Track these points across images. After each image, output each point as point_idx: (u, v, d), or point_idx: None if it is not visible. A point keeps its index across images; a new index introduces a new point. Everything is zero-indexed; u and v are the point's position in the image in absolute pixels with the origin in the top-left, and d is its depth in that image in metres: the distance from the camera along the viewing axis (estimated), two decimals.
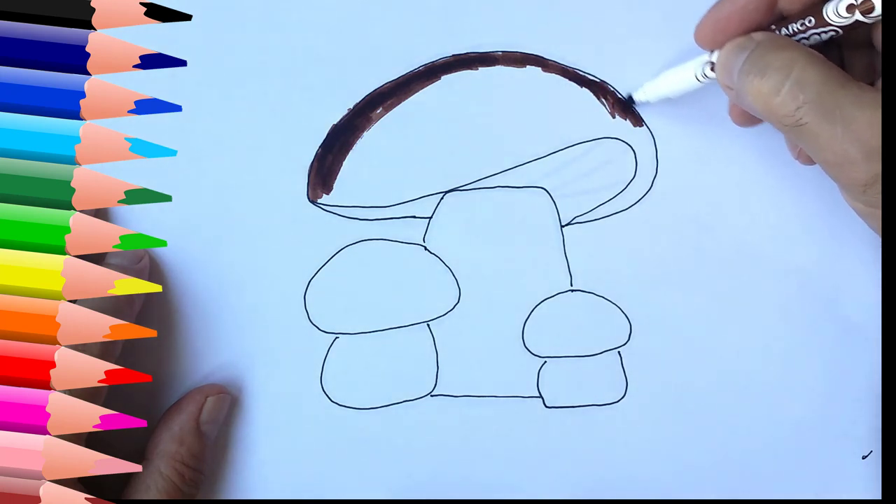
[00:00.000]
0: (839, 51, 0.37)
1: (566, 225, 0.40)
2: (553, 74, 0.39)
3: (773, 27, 0.35)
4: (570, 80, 0.39)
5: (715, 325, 0.40)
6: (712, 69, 0.36)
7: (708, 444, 0.40)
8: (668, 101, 0.38)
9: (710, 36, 0.36)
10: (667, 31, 0.39)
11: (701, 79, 0.36)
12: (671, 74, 0.38)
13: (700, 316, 0.40)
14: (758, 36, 0.35)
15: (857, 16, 0.33)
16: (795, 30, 0.35)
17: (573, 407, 0.40)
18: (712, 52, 0.36)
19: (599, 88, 0.39)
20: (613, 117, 0.39)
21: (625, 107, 0.39)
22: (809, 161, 0.37)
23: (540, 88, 0.39)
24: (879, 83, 0.34)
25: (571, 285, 0.40)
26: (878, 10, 0.32)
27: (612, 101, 0.39)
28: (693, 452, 0.40)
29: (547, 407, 0.40)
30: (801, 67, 0.33)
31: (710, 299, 0.40)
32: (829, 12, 0.33)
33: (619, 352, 0.40)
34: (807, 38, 0.34)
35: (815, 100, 0.32)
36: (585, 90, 0.39)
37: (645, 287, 0.40)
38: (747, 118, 0.38)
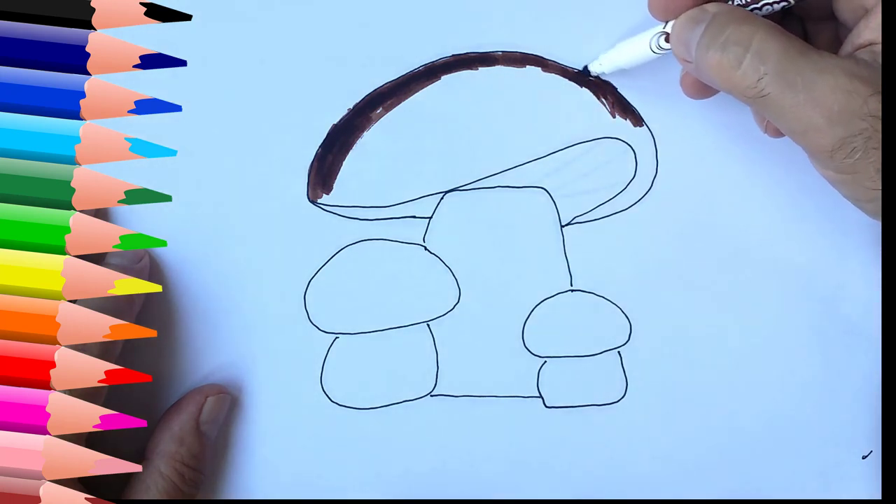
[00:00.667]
0: (801, 24, 0.37)
1: (566, 225, 0.40)
2: (553, 74, 0.39)
3: None
4: (570, 80, 0.39)
5: (715, 324, 0.40)
6: (667, 40, 0.36)
7: (708, 444, 0.40)
8: (623, 73, 0.38)
9: (664, 6, 0.36)
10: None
11: (656, 50, 0.36)
12: (625, 46, 0.37)
13: (700, 316, 0.40)
14: (712, 7, 0.35)
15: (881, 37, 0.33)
16: (747, 0, 0.35)
17: (573, 407, 0.40)
18: (666, 23, 0.36)
19: (600, 88, 0.39)
20: (613, 117, 0.39)
21: (589, 81, 0.39)
22: (777, 133, 0.37)
23: (540, 88, 0.39)
24: (841, 50, 0.34)
25: (571, 285, 0.40)
26: None
27: (612, 101, 0.39)
28: (693, 452, 0.40)
29: (547, 407, 0.40)
30: (761, 39, 0.33)
31: (710, 299, 0.40)
32: None
33: (619, 352, 0.40)
34: (759, 9, 0.34)
35: (775, 69, 0.32)
36: (585, 90, 0.39)
37: (645, 287, 0.40)
38: (700, 90, 0.37)
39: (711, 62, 0.34)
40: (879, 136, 0.32)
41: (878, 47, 0.33)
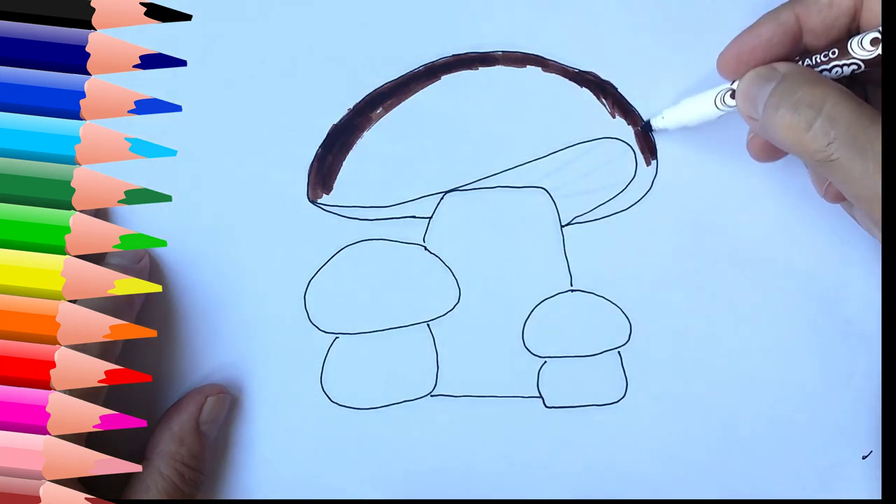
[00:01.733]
0: (863, 87, 0.37)
1: (566, 225, 0.40)
2: (553, 74, 0.39)
3: (797, 59, 0.35)
4: (570, 80, 0.39)
5: (715, 324, 0.40)
6: (732, 96, 0.36)
7: (708, 443, 0.40)
8: (686, 130, 0.38)
9: (733, 66, 0.36)
10: (667, 30, 0.39)
11: (720, 106, 0.36)
12: (690, 102, 0.37)
13: (700, 316, 0.40)
14: (782, 67, 0.35)
15: (881, 49, 0.33)
16: (818, 61, 0.35)
17: (573, 407, 0.40)
18: (733, 81, 0.36)
19: (600, 88, 0.39)
20: (613, 117, 0.39)
21: (641, 130, 0.39)
22: (838, 198, 0.37)
23: (540, 88, 0.39)
24: None
25: (571, 285, 0.40)
26: None
27: (612, 101, 0.39)
28: (693, 452, 0.40)
29: (547, 407, 0.40)
30: (833, 103, 0.32)
31: (710, 299, 0.40)
32: (854, 45, 0.34)
33: (619, 352, 0.40)
34: (828, 71, 0.34)
35: (846, 135, 0.32)
36: (585, 90, 0.39)
37: (645, 287, 0.40)
38: (768, 152, 0.37)
39: (782, 122, 0.33)
40: None
41: None
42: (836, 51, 0.34)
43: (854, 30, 0.35)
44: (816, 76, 0.34)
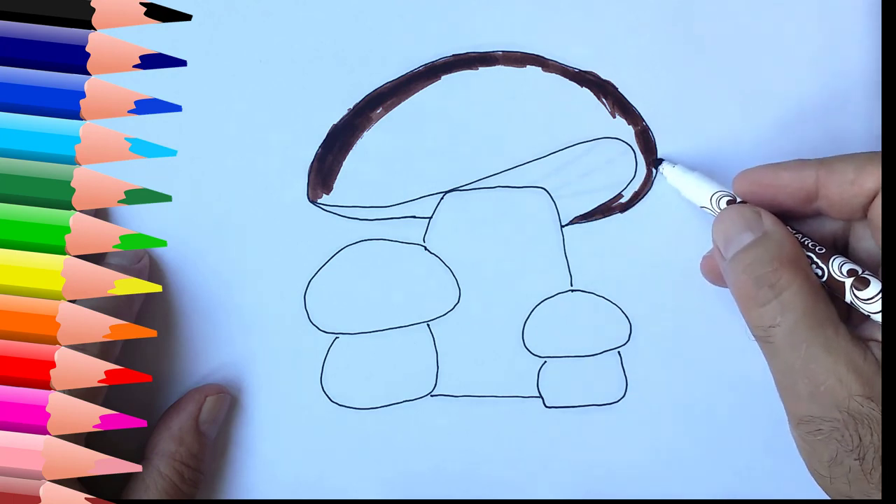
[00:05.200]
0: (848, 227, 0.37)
1: (566, 225, 0.40)
2: (553, 74, 0.39)
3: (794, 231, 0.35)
4: (570, 79, 0.39)
5: (715, 324, 0.40)
6: (727, 203, 0.36)
7: (708, 443, 0.40)
8: (676, 192, 0.38)
9: (745, 187, 0.36)
10: (667, 30, 0.39)
11: (712, 205, 0.37)
12: (696, 180, 0.37)
13: (700, 316, 0.40)
14: (768, 222, 0.35)
15: (851, 287, 0.34)
16: (806, 242, 0.35)
17: (573, 407, 0.40)
18: (736, 198, 0.36)
19: (600, 88, 0.39)
20: (614, 117, 0.39)
21: (649, 156, 0.39)
22: (717, 279, 0.38)
23: (540, 88, 0.39)
24: (862, 328, 0.35)
25: (571, 285, 0.40)
26: (872, 291, 0.33)
27: (612, 101, 0.39)
28: (693, 452, 0.40)
29: (547, 407, 0.40)
30: (793, 292, 0.33)
31: (710, 299, 0.40)
32: (835, 266, 0.34)
33: (619, 352, 0.40)
34: (811, 249, 0.35)
35: (789, 327, 0.33)
36: (585, 90, 0.39)
37: (645, 287, 0.40)
38: (716, 279, 0.38)
39: (741, 286, 0.34)
40: (847, 433, 0.32)
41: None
42: (824, 250, 0.35)
43: (866, 214, 0.35)
44: (791, 251, 0.34)
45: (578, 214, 0.40)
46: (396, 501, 0.40)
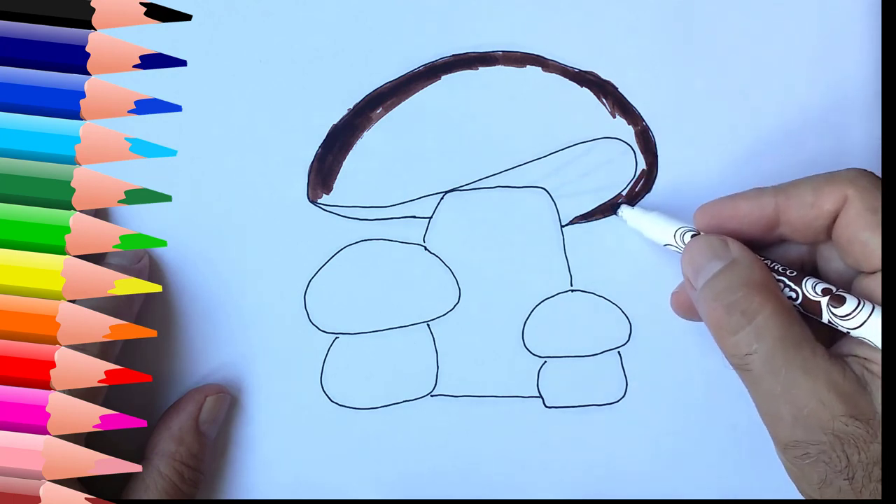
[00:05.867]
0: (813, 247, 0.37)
1: (566, 225, 0.40)
2: (553, 74, 0.39)
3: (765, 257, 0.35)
4: (570, 79, 0.39)
5: None
6: (692, 237, 0.36)
7: (708, 443, 0.40)
8: (638, 233, 0.38)
9: (706, 221, 0.36)
10: (667, 30, 0.39)
11: (676, 242, 0.37)
12: (656, 219, 0.37)
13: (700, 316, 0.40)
14: (735, 249, 0.35)
15: (828, 306, 0.34)
16: (776, 267, 0.35)
17: (573, 407, 0.40)
18: (699, 232, 0.36)
19: (600, 88, 0.39)
20: (614, 117, 0.39)
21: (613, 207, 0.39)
22: (687, 312, 0.38)
23: (540, 88, 0.39)
24: (839, 345, 0.34)
25: (571, 285, 0.40)
26: (849, 308, 0.33)
27: (612, 101, 0.39)
28: (693, 452, 0.40)
29: (547, 407, 0.40)
30: (766, 316, 0.33)
31: None
32: (808, 286, 0.34)
33: (619, 352, 0.40)
34: (779, 272, 0.35)
35: (766, 353, 0.33)
36: (585, 90, 0.39)
37: (645, 287, 0.40)
38: (690, 313, 0.38)
39: (713, 315, 0.34)
40: (834, 454, 0.32)
41: (871, 364, 0.33)
42: (795, 273, 0.35)
43: (830, 235, 0.35)
44: (761, 276, 0.34)
45: (578, 214, 0.40)
46: (396, 501, 0.40)
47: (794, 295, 0.34)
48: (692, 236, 0.36)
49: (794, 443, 0.33)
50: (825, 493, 0.33)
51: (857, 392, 0.32)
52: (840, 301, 0.33)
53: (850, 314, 0.33)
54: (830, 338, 0.35)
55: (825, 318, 0.34)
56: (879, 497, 0.32)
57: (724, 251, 0.35)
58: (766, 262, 0.35)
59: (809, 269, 0.37)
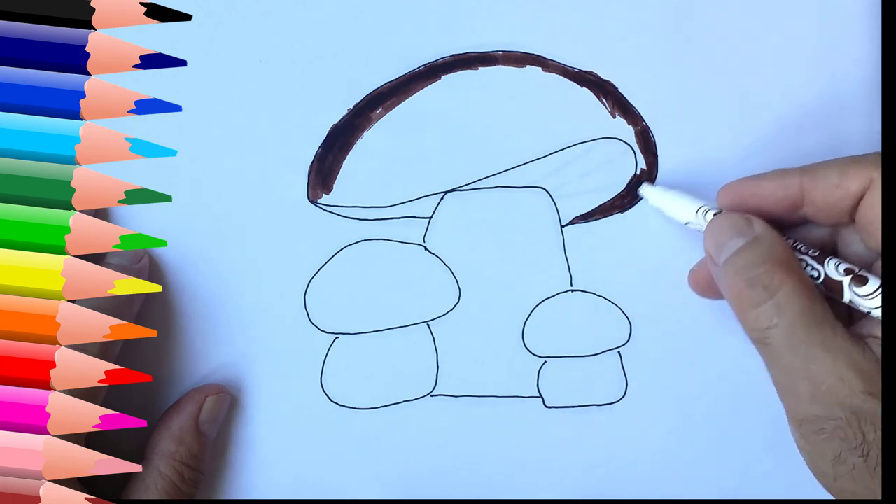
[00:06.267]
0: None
1: (566, 225, 0.40)
2: (553, 74, 0.39)
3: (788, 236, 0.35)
4: (570, 80, 0.39)
5: (715, 324, 0.40)
6: (714, 215, 0.36)
7: (708, 444, 0.40)
8: (658, 211, 0.39)
9: (730, 199, 0.36)
10: (667, 30, 0.39)
11: (697, 219, 0.37)
12: (678, 198, 0.37)
13: (700, 316, 0.40)
14: (758, 226, 0.35)
15: (850, 286, 0.34)
16: (799, 247, 0.35)
17: (573, 407, 0.40)
18: (721, 210, 0.36)
19: (600, 88, 0.39)
20: (614, 117, 0.39)
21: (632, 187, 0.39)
22: (705, 290, 0.38)
23: (540, 88, 0.39)
24: (859, 325, 0.34)
25: (571, 285, 0.40)
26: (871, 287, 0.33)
27: (611, 101, 0.39)
28: (693, 452, 0.40)
29: (547, 407, 0.40)
30: (787, 292, 0.33)
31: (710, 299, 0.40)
32: (830, 266, 0.34)
33: (619, 352, 0.40)
34: (800, 253, 0.35)
35: (787, 328, 0.33)
36: (585, 90, 0.39)
37: (645, 287, 0.40)
38: (709, 290, 0.38)
39: (735, 289, 0.34)
40: (850, 430, 0.32)
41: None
42: (818, 252, 0.35)
43: (853, 218, 0.35)
44: (783, 253, 0.34)
45: (578, 214, 0.40)
46: (396, 501, 0.40)
47: (816, 274, 0.34)
48: (714, 215, 0.36)
49: (810, 418, 0.33)
50: (838, 471, 0.32)
51: (877, 371, 0.32)
52: (862, 281, 0.33)
53: (871, 294, 0.33)
54: (848, 321, 0.35)
55: (846, 297, 0.34)
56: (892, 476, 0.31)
57: (747, 228, 0.35)
58: (789, 241, 0.35)
59: (830, 252, 0.37)
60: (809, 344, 0.32)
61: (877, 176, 0.34)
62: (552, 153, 0.39)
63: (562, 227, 0.40)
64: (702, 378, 0.40)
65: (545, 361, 0.40)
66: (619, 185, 0.39)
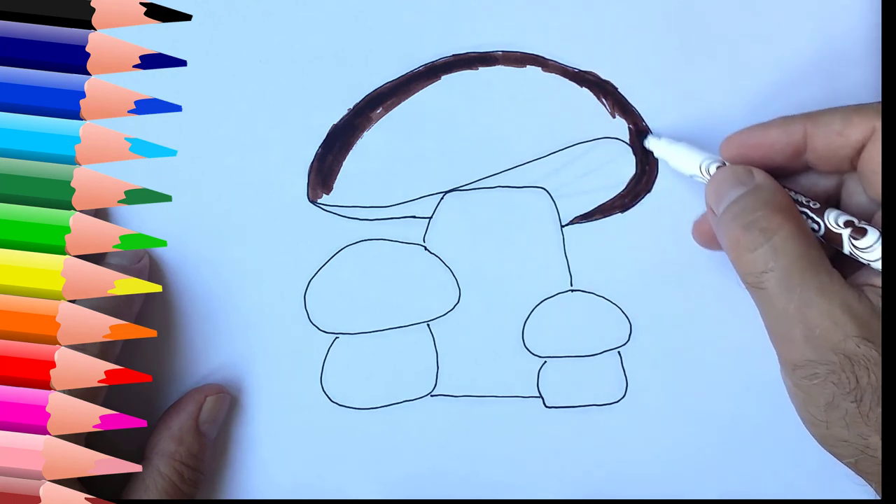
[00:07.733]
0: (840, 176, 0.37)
1: (566, 225, 0.40)
2: (553, 74, 0.39)
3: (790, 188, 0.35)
4: (570, 79, 0.39)
5: (715, 324, 0.40)
6: (717, 168, 0.36)
7: (708, 444, 0.40)
8: (664, 164, 0.39)
9: (733, 151, 0.36)
10: (667, 30, 0.39)
11: (701, 173, 0.37)
12: (683, 150, 0.37)
13: (700, 316, 0.40)
14: (759, 176, 0.35)
15: (849, 238, 0.34)
16: (799, 199, 0.35)
17: (573, 407, 0.40)
18: (724, 163, 0.36)
19: (600, 88, 0.39)
20: (613, 117, 0.39)
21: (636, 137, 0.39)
22: (708, 241, 0.38)
23: (540, 88, 0.39)
24: (857, 275, 0.34)
25: (571, 285, 0.40)
26: (870, 240, 0.33)
27: (612, 101, 0.39)
28: (693, 452, 0.40)
29: (547, 407, 0.40)
30: (784, 236, 0.33)
31: (710, 299, 0.40)
32: (831, 218, 0.34)
33: (619, 352, 0.40)
34: (801, 205, 0.35)
35: (783, 271, 0.32)
36: (585, 90, 0.39)
37: (645, 287, 0.40)
38: (711, 241, 0.38)
39: (732, 234, 0.34)
40: (843, 374, 0.32)
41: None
42: (818, 205, 0.35)
43: (855, 166, 0.35)
44: (783, 200, 0.34)
45: (578, 214, 0.40)
46: (396, 501, 0.40)
47: (816, 227, 0.34)
48: (717, 168, 0.36)
49: (803, 362, 0.32)
50: (830, 416, 0.32)
51: (871, 316, 0.32)
52: (861, 233, 0.33)
53: (870, 246, 0.33)
54: (850, 269, 0.35)
55: (846, 249, 0.34)
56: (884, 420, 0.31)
57: (748, 178, 0.35)
58: (790, 192, 0.35)
59: (833, 202, 0.36)
60: (805, 287, 0.32)
61: (878, 125, 0.33)
62: (552, 153, 0.39)
63: (562, 227, 0.40)
64: (702, 378, 0.40)
65: (545, 361, 0.40)
66: (619, 185, 0.39)
